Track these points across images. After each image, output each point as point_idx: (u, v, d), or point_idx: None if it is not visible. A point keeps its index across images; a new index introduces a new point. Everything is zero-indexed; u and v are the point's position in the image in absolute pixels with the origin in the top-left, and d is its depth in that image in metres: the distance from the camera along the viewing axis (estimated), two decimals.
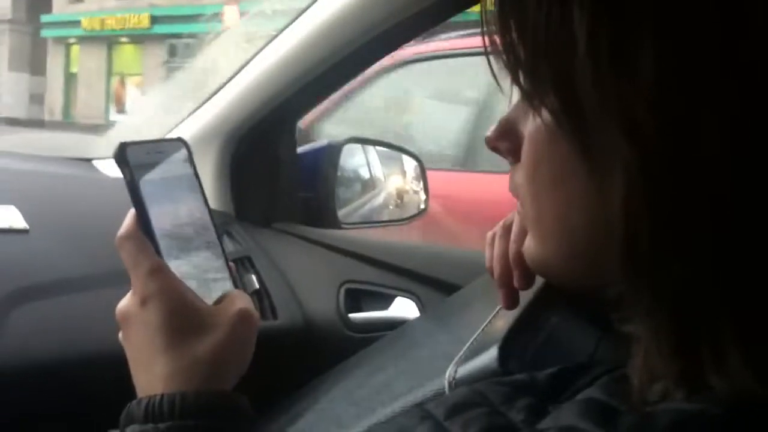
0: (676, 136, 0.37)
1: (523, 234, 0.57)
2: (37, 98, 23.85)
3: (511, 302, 0.66)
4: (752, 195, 0.37)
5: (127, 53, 23.65)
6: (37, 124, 19.89)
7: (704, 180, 0.37)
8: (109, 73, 23.32)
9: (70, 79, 24.32)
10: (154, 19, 21.60)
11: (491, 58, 0.45)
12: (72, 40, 24.47)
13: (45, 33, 24.39)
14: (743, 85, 0.37)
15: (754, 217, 0.37)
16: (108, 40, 23.38)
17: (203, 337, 0.60)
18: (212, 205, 0.69)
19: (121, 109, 20.34)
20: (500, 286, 0.66)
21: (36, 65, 24.58)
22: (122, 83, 22.30)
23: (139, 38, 22.72)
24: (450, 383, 0.64)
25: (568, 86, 0.40)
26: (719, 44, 0.37)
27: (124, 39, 23.44)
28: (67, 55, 24.94)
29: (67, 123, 21.62)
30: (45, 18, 23.79)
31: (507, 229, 0.65)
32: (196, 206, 0.66)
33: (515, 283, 0.64)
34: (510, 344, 0.63)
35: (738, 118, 0.37)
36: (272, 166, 1.32)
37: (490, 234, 0.69)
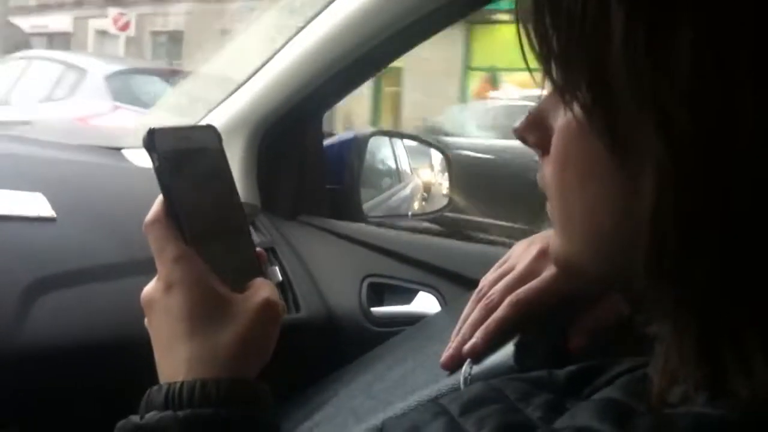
0: (712, 134, 0.36)
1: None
2: None
3: (451, 364, 0.69)
4: None
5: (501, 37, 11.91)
6: None
7: (739, 181, 0.36)
8: (467, 67, 13.69)
9: (380, 78, 12.99)
10: None
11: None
12: None
13: None
14: None
15: None
16: (466, 22, 12.67)
17: (226, 326, 0.60)
18: None
19: None
20: (455, 347, 0.68)
21: None
22: (492, 81, 12.75)
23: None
24: (465, 378, 0.64)
25: (601, 79, 0.40)
26: (759, 37, 0.36)
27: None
28: None
29: None
30: None
31: (488, 307, 0.68)
32: (225, 193, 0.66)
33: (467, 349, 0.67)
34: (526, 341, 0.63)
35: None
36: (298, 159, 1.33)
37: (480, 290, 0.71)
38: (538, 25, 0.42)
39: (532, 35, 0.43)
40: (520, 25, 0.44)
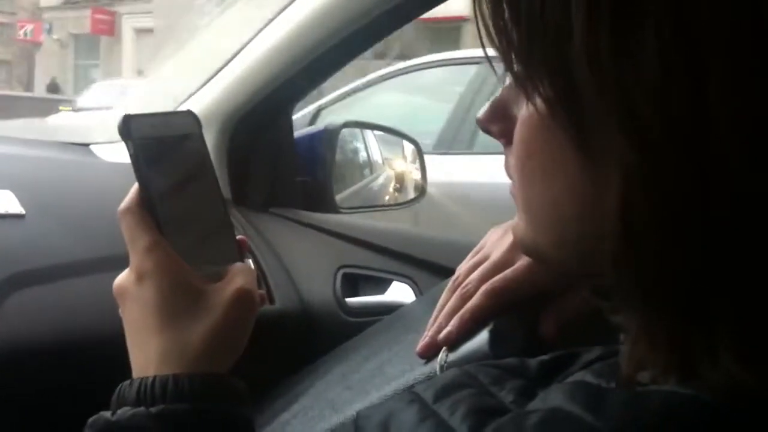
0: (681, 129, 0.35)
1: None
2: None
3: (427, 352, 0.69)
4: (759, 191, 0.35)
5: None
6: None
7: (709, 175, 0.35)
8: None
9: None
10: None
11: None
12: None
13: None
14: (758, 71, 0.35)
15: (758, 213, 0.35)
16: None
17: (198, 318, 0.60)
18: None
19: None
20: (431, 335, 0.69)
21: None
22: None
23: None
24: (441, 366, 0.65)
25: (563, 73, 0.38)
26: (729, 29, 0.35)
27: None
28: None
29: None
30: None
31: (463, 297, 0.69)
32: (204, 180, 0.65)
33: (442, 337, 0.67)
34: (501, 328, 0.63)
35: (750, 107, 0.35)
36: (270, 151, 1.32)
37: (455, 278, 0.72)
38: (497, 18, 0.41)
39: (491, 29, 0.42)
40: (479, 19, 0.43)
